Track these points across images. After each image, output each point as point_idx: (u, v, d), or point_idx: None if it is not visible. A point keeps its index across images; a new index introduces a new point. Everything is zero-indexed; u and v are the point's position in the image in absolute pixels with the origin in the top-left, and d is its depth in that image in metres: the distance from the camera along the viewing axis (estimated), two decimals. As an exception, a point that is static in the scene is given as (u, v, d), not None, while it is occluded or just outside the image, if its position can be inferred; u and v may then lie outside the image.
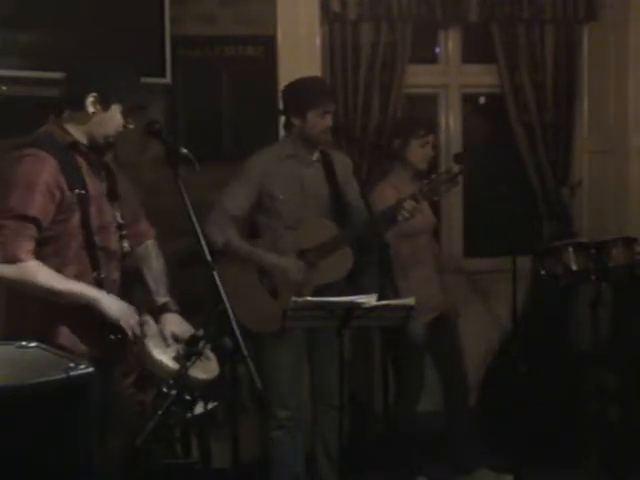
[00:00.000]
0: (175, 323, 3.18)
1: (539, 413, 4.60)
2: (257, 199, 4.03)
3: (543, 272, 4.57)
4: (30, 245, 2.98)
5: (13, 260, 2.95)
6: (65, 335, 3.04)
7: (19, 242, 2.95)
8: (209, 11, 4.71)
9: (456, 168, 4.09)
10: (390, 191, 4.30)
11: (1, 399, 2.22)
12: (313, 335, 4.10)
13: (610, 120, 5.33)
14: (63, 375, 2.29)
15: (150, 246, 3.37)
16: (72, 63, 3.29)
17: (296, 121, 4.04)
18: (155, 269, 3.32)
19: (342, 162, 4.23)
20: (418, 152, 4.38)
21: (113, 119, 3.10)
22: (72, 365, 2.34)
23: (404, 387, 4.48)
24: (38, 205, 2.96)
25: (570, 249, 4.50)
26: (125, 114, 3.10)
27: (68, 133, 3.10)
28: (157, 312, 3.21)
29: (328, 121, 4.02)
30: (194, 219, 2.86)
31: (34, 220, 2.96)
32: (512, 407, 4.45)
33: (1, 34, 3.98)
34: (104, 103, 3.08)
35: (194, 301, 3.37)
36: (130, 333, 3.01)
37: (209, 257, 2.83)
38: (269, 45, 4.78)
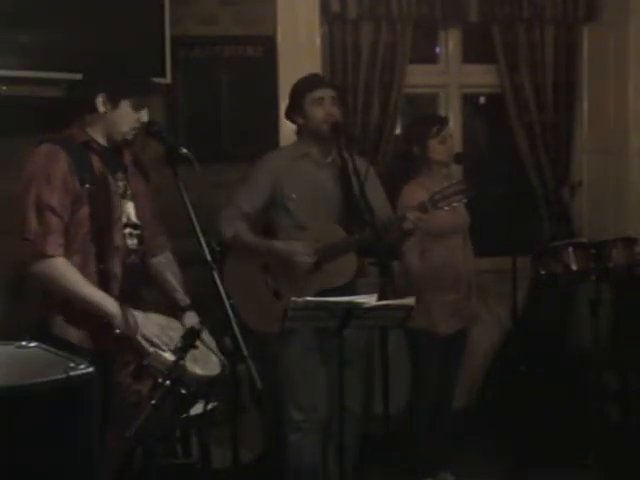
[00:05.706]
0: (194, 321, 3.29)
1: (539, 413, 4.60)
2: (271, 198, 4.00)
3: (543, 272, 4.56)
4: (59, 239, 3.05)
5: (42, 256, 3.03)
6: (59, 325, 3.10)
7: (48, 237, 3.03)
8: (209, 11, 4.71)
9: (466, 183, 3.97)
10: (421, 191, 4.08)
11: (1, 399, 2.22)
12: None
13: (610, 120, 5.33)
14: (63, 375, 2.29)
15: (171, 256, 3.48)
16: (81, 66, 3.35)
17: (299, 120, 4.00)
18: (179, 275, 3.44)
19: (359, 167, 3.95)
20: (440, 149, 4.25)
21: (125, 115, 3.16)
22: (72, 365, 2.34)
23: (417, 386, 4.40)
24: (57, 196, 3.05)
25: (570, 249, 4.50)
26: (137, 108, 3.16)
27: (85, 133, 3.17)
28: (180, 310, 3.35)
29: (327, 108, 3.91)
30: (194, 219, 2.86)
31: (56, 211, 3.04)
32: (512, 407, 4.45)
33: (1, 34, 3.98)
34: (113, 101, 3.14)
35: (194, 301, 3.38)
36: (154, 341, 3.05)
37: (209, 257, 2.84)
38: (269, 45, 4.79)
